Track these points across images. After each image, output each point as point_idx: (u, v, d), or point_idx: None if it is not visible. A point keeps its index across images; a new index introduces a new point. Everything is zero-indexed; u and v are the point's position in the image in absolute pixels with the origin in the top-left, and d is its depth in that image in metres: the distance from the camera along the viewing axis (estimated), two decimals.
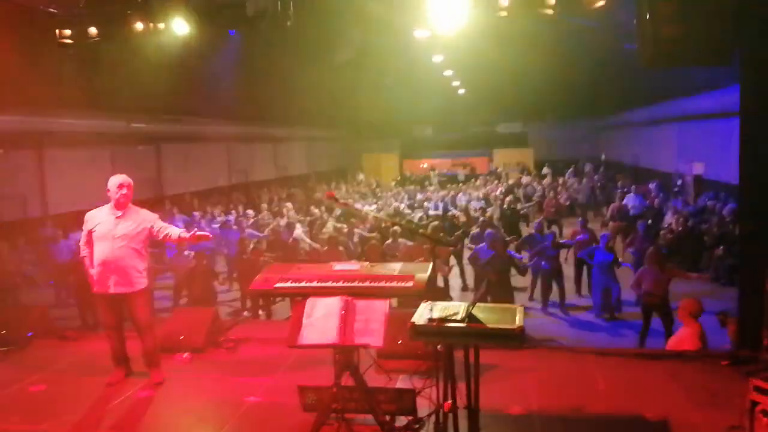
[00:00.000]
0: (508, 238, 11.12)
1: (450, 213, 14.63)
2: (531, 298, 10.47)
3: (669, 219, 13.54)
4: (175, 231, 5.29)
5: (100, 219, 5.07)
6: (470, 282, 11.40)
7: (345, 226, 12.15)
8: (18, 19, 8.62)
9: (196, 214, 14.82)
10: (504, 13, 7.49)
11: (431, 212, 16.16)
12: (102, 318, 5.28)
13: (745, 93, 5.80)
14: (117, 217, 5.03)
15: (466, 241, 11.96)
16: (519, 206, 16.62)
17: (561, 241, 10.97)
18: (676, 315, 6.72)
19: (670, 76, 14.54)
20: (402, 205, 17.17)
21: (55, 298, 10.92)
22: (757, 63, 5.60)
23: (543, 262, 9.89)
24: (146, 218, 5.18)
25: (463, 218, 14.07)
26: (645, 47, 5.76)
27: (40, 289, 11.07)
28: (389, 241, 10.16)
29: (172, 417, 4.80)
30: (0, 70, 8.90)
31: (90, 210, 5.22)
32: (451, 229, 12.05)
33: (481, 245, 9.69)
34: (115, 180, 5.07)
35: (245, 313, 9.88)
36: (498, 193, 19.86)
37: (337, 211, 14.29)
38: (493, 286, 8.45)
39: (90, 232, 5.08)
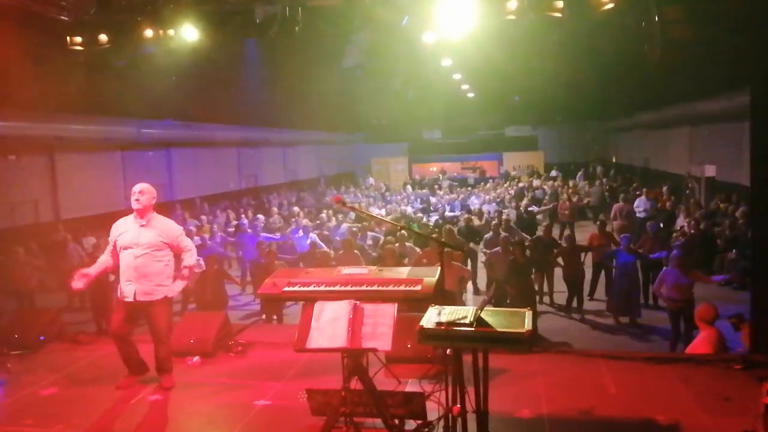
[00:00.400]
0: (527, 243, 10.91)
1: (465, 216, 14.54)
2: (540, 301, 10.42)
3: (681, 221, 13.44)
4: (189, 259, 5.26)
5: (125, 228, 5.10)
6: (482, 286, 11.40)
7: (358, 227, 12.20)
8: (29, 25, 8.70)
9: (204, 218, 14.90)
10: (512, 17, 7.49)
11: (448, 214, 16.14)
12: (113, 327, 5.18)
13: (756, 95, 5.76)
14: (141, 226, 5.05)
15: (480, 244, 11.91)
16: (535, 209, 16.60)
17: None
18: None
19: (680, 78, 14.44)
20: (409, 209, 17.18)
21: (67, 302, 11.00)
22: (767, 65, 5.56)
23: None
24: (171, 230, 5.18)
25: (477, 221, 14.05)
26: (653, 49, 5.75)
27: (53, 293, 11.15)
28: (396, 244, 10.18)
29: (181, 421, 4.82)
30: (12, 76, 9.00)
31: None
32: (467, 232, 12.03)
33: (495, 249, 9.65)
34: (133, 188, 5.11)
35: (264, 316, 9.84)
36: (509, 196, 19.83)
37: (352, 215, 14.32)
38: (515, 290, 8.42)
39: (114, 243, 5.11)
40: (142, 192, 5.05)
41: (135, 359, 5.31)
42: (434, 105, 25.43)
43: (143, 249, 5.00)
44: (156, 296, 5.05)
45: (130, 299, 5.02)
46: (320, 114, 22.16)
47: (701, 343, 6.10)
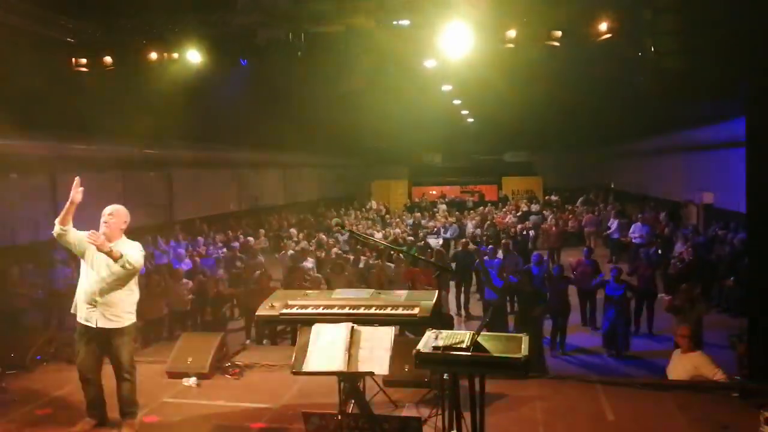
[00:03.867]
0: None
1: (463, 240, 14.53)
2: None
3: (679, 248, 13.44)
4: (127, 255, 4.59)
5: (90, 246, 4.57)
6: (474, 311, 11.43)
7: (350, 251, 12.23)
8: (35, 47, 8.82)
9: (200, 239, 14.83)
10: (511, 45, 7.62)
11: (448, 235, 16.20)
12: (78, 359, 4.69)
13: (751, 123, 5.85)
14: None
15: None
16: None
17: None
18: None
19: (677, 106, 14.61)
20: (398, 231, 17.23)
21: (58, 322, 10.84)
22: (762, 95, 5.65)
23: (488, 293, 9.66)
24: (127, 251, 4.59)
25: (472, 246, 14.05)
26: (649, 80, 5.84)
27: (48, 312, 11.05)
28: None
29: None
30: (15, 97, 9.08)
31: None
32: (463, 256, 12.03)
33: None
34: (104, 210, 4.72)
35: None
36: (508, 220, 19.88)
37: (342, 237, 14.33)
38: (519, 316, 8.41)
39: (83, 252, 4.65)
40: (112, 214, 4.67)
41: (101, 402, 4.80)
42: (434, 129, 25.63)
43: (105, 271, 4.56)
44: (119, 324, 4.58)
45: (91, 325, 4.56)
46: (321, 137, 22.32)
47: (698, 364, 6.02)
